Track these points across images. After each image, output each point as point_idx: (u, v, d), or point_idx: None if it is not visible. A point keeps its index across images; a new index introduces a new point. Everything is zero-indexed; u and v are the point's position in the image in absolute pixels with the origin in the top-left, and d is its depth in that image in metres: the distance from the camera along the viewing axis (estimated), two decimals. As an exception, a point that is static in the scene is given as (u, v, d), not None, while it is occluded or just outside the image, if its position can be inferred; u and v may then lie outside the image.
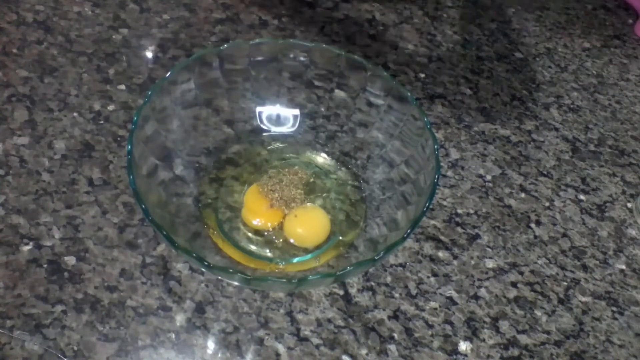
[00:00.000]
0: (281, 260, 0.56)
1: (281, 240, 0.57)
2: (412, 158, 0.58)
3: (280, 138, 0.65)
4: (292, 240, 0.57)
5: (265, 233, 0.57)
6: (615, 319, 0.58)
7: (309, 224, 0.57)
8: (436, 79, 0.76)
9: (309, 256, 0.57)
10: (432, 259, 0.59)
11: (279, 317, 0.54)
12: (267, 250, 0.56)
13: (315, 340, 0.53)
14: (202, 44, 0.74)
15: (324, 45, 0.56)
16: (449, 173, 0.67)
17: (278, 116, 0.65)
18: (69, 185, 0.59)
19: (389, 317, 0.55)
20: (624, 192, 0.69)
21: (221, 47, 0.58)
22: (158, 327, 0.52)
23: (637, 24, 0.90)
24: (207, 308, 0.53)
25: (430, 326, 0.55)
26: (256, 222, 0.57)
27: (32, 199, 0.58)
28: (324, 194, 0.60)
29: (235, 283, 0.52)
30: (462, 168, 0.68)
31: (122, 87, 0.68)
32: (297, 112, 0.64)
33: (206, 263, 0.46)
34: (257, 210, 0.58)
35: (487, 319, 0.56)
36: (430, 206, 0.58)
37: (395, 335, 0.54)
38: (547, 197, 0.67)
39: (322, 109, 0.65)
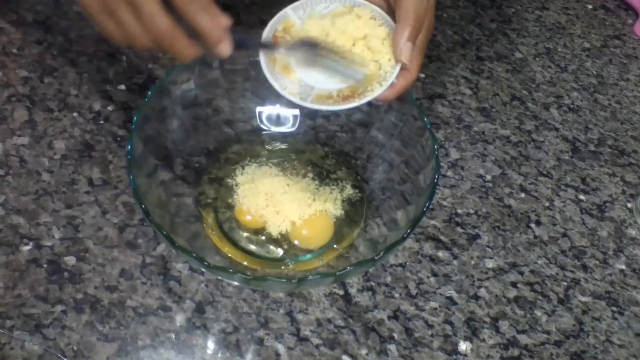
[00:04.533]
0: (290, 260, 0.56)
1: (285, 241, 0.57)
2: (412, 158, 0.58)
3: (280, 138, 0.65)
4: (296, 242, 0.57)
5: (265, 232, 0.57)
6: (615, 319, 0.58)
7: (313, 227, 0.57)
8: (436, 79, 0.76)
9: (309, 256, 0.57)
10: (432, 259, 0.59)
11: (279, 317, 0.54)
12: (271, 249, 0.56)
13: (315, 340, 0.53)
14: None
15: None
16: (449, 173, 0.67)
17: (278, 116, 0.65)
18: (69, 185, 0.59)
19: (389, 317, 0.55)
20: (624, 192, 0.69)
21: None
22: (158, 327, 0.52)
23: (637, 24, 0.90)
24: (207, 308, 0.53)
25: (430, 326, 0.55)
26: (249, 217, 0.57)
27: (32, 199, 0.58)
28: (325, 194, 0.60)
29: (235, 283, 0.52)
30: (462, 168, 0.68)
31: (122, 87, 0.68)
32: (297, 112, 0.64)
33: (206, 263, 0.46)
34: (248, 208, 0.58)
35: (487, 319, 0.56)
36: (430, 206, 0.58)
37: (395, 335, 0.54)
38: (547, 197, 0.67)
39: (322, 109, 0.64)
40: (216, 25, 0.45)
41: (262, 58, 0.50)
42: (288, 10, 0.52)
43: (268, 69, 0.50)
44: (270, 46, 0.50)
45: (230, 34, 0.46)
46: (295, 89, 0.50)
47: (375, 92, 0.48)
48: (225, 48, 0.46)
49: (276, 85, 0.49)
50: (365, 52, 0.50)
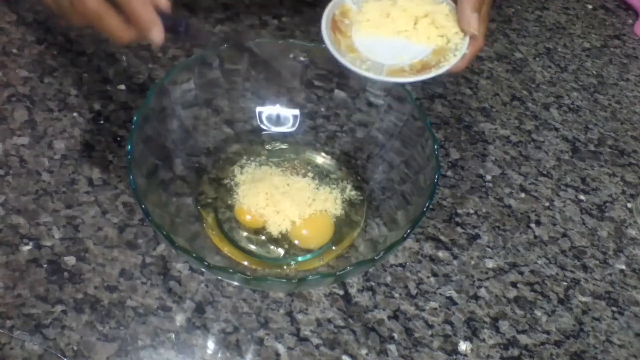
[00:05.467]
0: (290, 260, 0.56)
1: (286, 240, 0.57)
2: (412, 158, 0.58)
3: (280, 138, 0.65)
4: (296, 242, 0.57)
5: (265, 232, 0.57)
6: (615, 319, 0.58)
7: (313, 226, 0.57)
8: (436, 79, 0.76)
9: (309, 256, 0.57)
10: (432, 259, 0.59)
11: (279, 317, 0.54)
12: (271, 249, 0.56)
13: (315, 340, 0.53)
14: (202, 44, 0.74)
15: (324, 45, 0.56)
16: (449, 173, 0.67)
17: (278, 116, 0.65)
18: (69, 185, 0.59)
19: (389, 317, 0.55)
20: (624, 192, 0.69)
21: (221, 47, 0.58)
22: (158, 327, 0.52)
23: (637, 24, 0.90)
24: (207, 308, 0.53)
25: (430, 326, 0.55)
26: (249, 217, 0.57)
27: (32, 199, 0.58)
28: (325, 194, 0.60)
29: (235, 283, 0.52)
30: (462, 168, 0.68)
31: (122, 87, 0.68)
32: (297, 112, 0.64)
33: (206, 263, 0.46)
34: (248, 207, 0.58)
35: (487, 319, 0.56)
36: (430, 206, 0.58)
37: (395, 335, 0.54)
38: (547, 197, 0.67)
39: (322, 109, 0.64)
40: (146, 10, 0.46)
41: (327, 39, 0.52)
42: None
43: (334, 48, 0.52)
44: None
45: (162, 19, 0.47)
46: (365, 66, 0.52)
47: (451, 61, 0.52)
48: (156, 34, 0.47)
49: (345, 62, 0.51)
50: (431, 29, 0.53)
